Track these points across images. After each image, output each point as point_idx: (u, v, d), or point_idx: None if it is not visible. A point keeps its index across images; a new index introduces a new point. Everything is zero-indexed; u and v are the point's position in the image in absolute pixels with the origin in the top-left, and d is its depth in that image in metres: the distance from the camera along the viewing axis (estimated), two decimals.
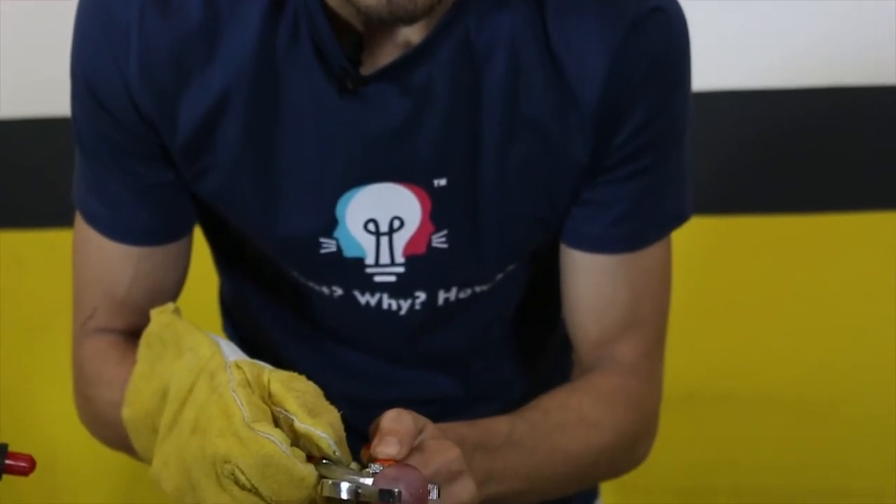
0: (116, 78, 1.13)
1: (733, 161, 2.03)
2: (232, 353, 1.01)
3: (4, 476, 1.02)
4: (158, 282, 1.23)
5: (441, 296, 1.21)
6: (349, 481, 0.90)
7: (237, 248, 1.26)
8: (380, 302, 1.21)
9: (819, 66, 1.99)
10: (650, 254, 1.23)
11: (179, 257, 1.24)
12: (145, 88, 1.13)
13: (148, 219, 1.20)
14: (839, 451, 2.07)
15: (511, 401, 1.26)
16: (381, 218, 1.17)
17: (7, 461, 1.00)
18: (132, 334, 1.20)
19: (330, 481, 0.90)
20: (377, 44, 1.11)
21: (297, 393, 0.95)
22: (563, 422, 1.17)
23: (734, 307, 2.08)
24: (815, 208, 2.06)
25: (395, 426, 0.95)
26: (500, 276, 1.23)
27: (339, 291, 1.21)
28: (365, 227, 1.17)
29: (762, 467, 2.08)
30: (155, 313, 1.10)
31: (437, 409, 1.10)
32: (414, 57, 1.11)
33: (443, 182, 1.15)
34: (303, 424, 0.93)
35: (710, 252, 2.02)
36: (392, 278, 1.19)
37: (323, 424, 0.93)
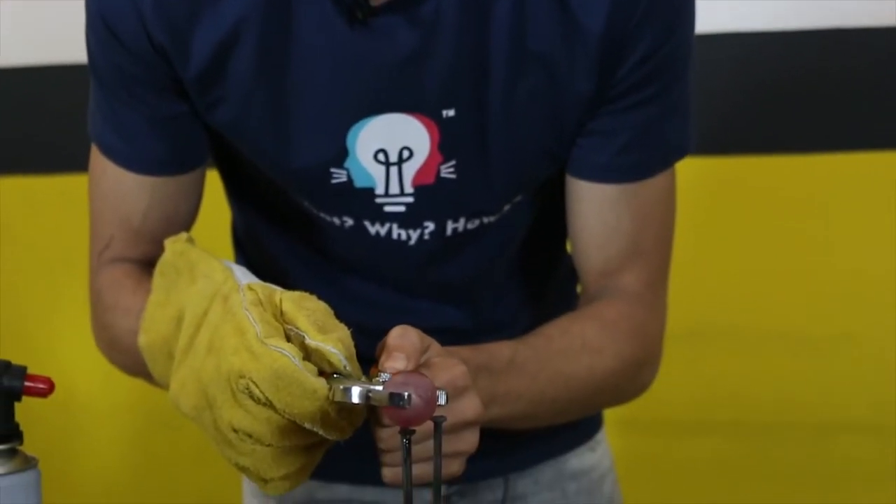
0: (130, 10, 1.13)
1: (739, 103, 2.02)
2: (244, 277, 1.02)
3: (24, 407, 1.02)
4: (172, 211, 1.24)
5: (449, 226, 1.21)
6: (360, 386, 0.90)
7: (249, 179, 1.26)
8: (389, 232, 1.21)
9: (820, 9, 1.98)
10: (653, 184, 1.22)
11: (193, 188, 1.24)
12: (158, 20, 1.13)
13: (162, 149, 1.20)
14: (839, 386, 2.07)
15: (517, 332, 1.25)
16: (390, 148, 1.16)
17: (26, 383, 1.00)
18: (147, 263, 1.21)
19: (342, 386, 0.90)
20: None
21: (307, 311, 0.95)
22: (566, 348, 1.17)
23: (736, 245, 2.08)
24: (817, 148, 2.05)
25: (402, 342, 0.95)
26: (507, 207, 1.23)
27: (349, 222, 1.21)
28: (375, 157, 1.17)
29: (762, 402, 2.09)
30: (169, 242, 1.10)
31: (445, 339, 1.09)
32: None
33: (451, 113, 1.15)
34: (314, 341, 0.93)
35: (714, 192, 2.01)
36: (401, 208, 1.19)
37: (333, 340, 0.93)
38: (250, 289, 0.97)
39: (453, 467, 0.99)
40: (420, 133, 1.16)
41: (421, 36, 1.12)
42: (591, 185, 1.21)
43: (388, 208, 1.19)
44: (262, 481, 0.96)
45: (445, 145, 1.16)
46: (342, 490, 1.37)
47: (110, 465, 2.20)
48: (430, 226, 1.21)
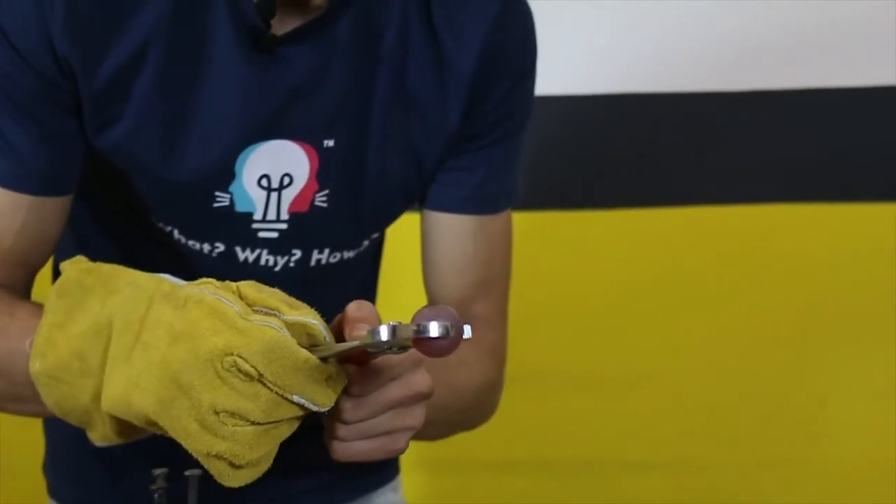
0: (35, 24, 1.05)
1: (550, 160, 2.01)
2: (179, 280, 0.95)
3: None
4: (44, 235, 1.14)
5: (314, 256, 1.18)
6: (386, 325, 0.83)
7: (106, 209, 1.19)
8: (258, 258, 1.16)
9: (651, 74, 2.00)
10: (501, 219, 1.24)
11: (63, 213, 1.15)
12: (68, 35, 1.06)
13: (46, 169, 1.11)
14: (637, 425, 2.06)
15: None
16: (273, 174, 1.12)
17: None
18: (8, 287, 1.11)
19: (378, 327, 0.83)
20: (286, 7, 1.08)
21: (270, 292, 0.90)
22: (447, 361, 1.13)
23: (543, 296, 2.06)
24: (613, 204, 2.05)
25: (361, 314, 0.90)
26: (366, 242, 1.21)
27: (220, 248, 1.16)
28: (259, 182, 1.12)
29: (567, 441, 2.07)
30: (68, 264, 1.01)
31: None
32: (319, 24, 1.09)
33: (331, 143, 1.12)
34: (290, 316, 0.87)
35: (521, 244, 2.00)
36: (274, 234, 1.15)
37: (311, 314, 0.88)
38: (206, 282, 0.91)
39: (399, 443, 0.93)
40: (301, 160, 1.12)
41: (316, 66, 1.10)
42: (451, 216, 1.20)
43: (261, 234, 1.15)
44: (232, 469, 0.88)
45: (322, 174, 1.13)
46: None
47: None
48: (297, 253, 1.17)
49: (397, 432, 0.93)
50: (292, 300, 0.89)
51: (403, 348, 0.85)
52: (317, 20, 1.09)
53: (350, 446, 0.92)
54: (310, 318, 0.87)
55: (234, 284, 0.90)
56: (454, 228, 1.20)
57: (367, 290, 1.32)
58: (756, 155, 2.00)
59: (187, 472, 0.98)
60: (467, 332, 0.84)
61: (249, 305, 0.88)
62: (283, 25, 1.08)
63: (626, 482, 2.06)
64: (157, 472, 1.04)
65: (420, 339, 0.82)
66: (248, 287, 0.90)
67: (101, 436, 0.97)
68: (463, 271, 1.21)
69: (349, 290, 1.23)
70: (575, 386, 2.06)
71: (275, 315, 0.87)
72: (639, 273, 2.05)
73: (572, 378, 2.06)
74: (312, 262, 1.17)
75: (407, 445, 0.94)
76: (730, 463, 2.05)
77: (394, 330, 0.83)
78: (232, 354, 0.85)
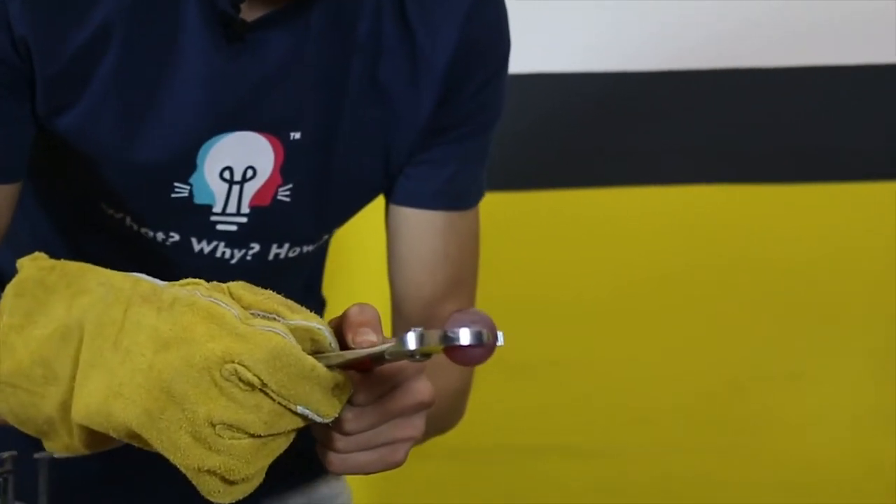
0: None
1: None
2: (158, 281, 0.87)
3: None
4: None
5: (273, 250, 1.12)
6: (414, 331, 0.76)
7: (57, 192, 1.12)
8: (214, 249, 1.10)
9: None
10: (470, 216, 1.20)
11: (13, 200, 1.08)
12: (26, 15, 0.99)
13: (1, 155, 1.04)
14: (550, 410, 2.02)
15: None
16: (237, 166, 1.06)
17: None
18: None
19: (404, 334, 0.76)
20: None
21: (266, 295, 0.82)
22: (431, 364, 1.09)
23: None
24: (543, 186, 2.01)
25: (364, 318, 0.83)
26: (325, 236, 1.18)
27: (175, 237, 1.09)
28: (220, 174, 1.06)
29: (480, 427, 1.98)
30: (27, 261, 0.93)
31: None
32: (291, 10, 1.04)
33: (297, 135, 1.07)
34: (293, 321, 0.80)
35: None
36: (233, 228, 1.09)
37: (313, 317, 0.81)
38: (195, 283, 0.83)
39: (399, 454, 0.86)
40: (266, 153, 1.07)
41: (287, 55, 1.04)
42: (421, 212, 1.16)
43: (220, 227, 1.09)
44: (225, 485, 0.80)
45: (287, 168, 1.08)
46: None
47: None
48: (256, 247, 1.11)
49: (398, 443, 0.86)
50: (291, 303, 0.82)
51: (425, 356, 0.78)
52: (287, 8, 1.04)
53: (349, 458, 0.85)
54: (314, 322, 0.81)
55: (224, 285, 0.83)
56: (423, 225, 1.16)
57: (315, 282, 1.29)
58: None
59: (37, 455, 0.90)
60: (501, 338, 0.77)
61: (245, 309, 0.81)
62: (253, 12, 1.03)
63: (539, 467, 2.03)
64: (5, 455, 0.94)
65: (452, 348, 0.75)
66: (242, 288, 0.83)
67: (63, 447, 0.89)
68: (434, 269, 1.17)
69: (299, 282, 1.21)
70: (487, 372, 2.01)
71: (275, 319, 0.80)
72: (551, 256, 2.01)
73: (485, 364, 2.01)
74: (270, 256, 1.13)
75: (406, 457, 0.88)
76: (643, 448, 2.03)
77: (422, 337, 0.76)
78: (232, 362, 0.78)
